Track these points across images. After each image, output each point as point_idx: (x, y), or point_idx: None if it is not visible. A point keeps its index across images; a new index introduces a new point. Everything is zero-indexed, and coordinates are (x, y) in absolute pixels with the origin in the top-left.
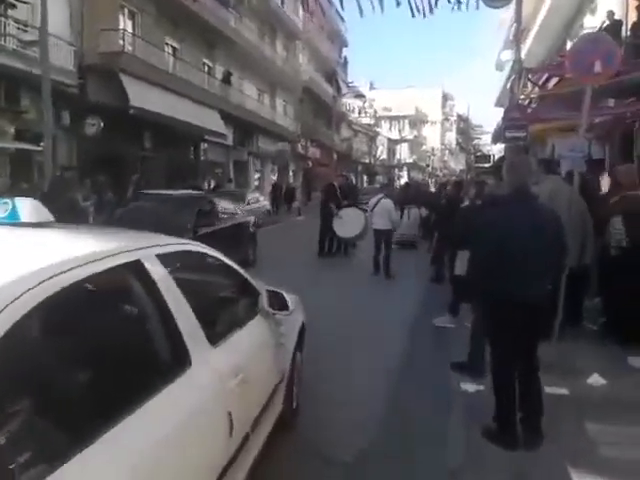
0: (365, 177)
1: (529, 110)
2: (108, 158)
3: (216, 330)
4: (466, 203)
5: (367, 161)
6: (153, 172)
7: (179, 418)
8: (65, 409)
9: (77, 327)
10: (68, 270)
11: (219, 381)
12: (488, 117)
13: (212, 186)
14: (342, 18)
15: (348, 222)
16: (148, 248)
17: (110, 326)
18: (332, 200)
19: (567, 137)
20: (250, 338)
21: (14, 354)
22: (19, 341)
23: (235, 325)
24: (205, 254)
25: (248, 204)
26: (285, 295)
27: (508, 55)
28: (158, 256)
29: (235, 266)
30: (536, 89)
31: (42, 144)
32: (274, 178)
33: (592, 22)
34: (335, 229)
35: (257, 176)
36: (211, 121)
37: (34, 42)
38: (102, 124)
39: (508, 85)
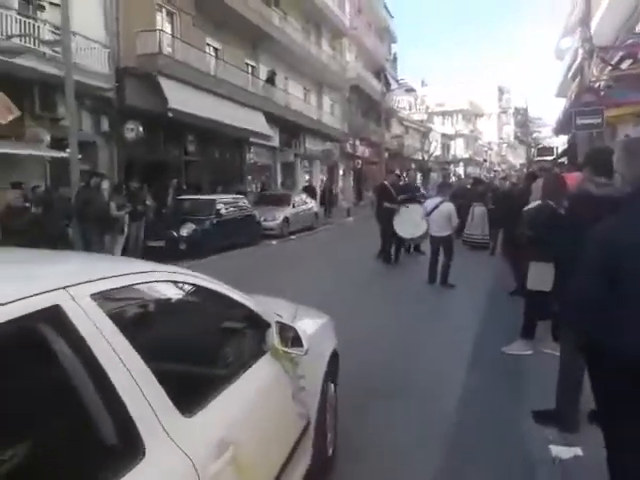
0: (419, 174)
1: (602, 93)
2: (149, 164)
3: (197, 389)
4: (535, 204)
5: (420, 158)
6: (197, 176)
7: None
8: None
9: None
10: None
11: (193, 469)
12: (548, 109)
13: (258, 189)
14: (390, 14)
15: (409, 220)
16: (78, 285)
17: (14, 408)
18: (386, 200)
19: None
20: (251, 389)
21: None
22: None
23: (228, 375)
24: (190, 284)
25: (293, 207)
26: (299, 330)
27: (568, 42)
28: (96, 296)
29: (234, 294)
30: (609, 69)
31: (68, 150)
32: (323, 179)
33: None
34: (396, 228)
35: (306, 177)
36: (255, 123)
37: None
38: (141, 129)
39: (570, 74)
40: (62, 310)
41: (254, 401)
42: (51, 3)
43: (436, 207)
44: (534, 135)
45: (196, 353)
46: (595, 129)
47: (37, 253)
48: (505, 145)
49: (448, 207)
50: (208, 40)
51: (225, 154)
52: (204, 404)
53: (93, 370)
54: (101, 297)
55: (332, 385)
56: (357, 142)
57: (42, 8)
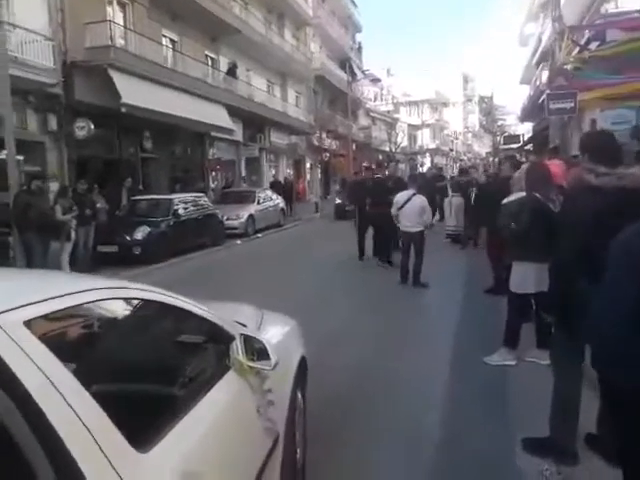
0: (401, 165)
1: (572, 76)
2: (102, 163)
3: (153, 419)
4: (517, 196)
5: (387, 149)
6: (155, 175)
7: None
8: None
9: None
10: None
11: None
12: (512, 97)
13: (221, 186)
14: (354, 2)
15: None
16: (9, 312)
17: None
18: (372, 203)
19: (611, 107)
20: (214, 412)
21: None
22: None
23: (189, 398)
24: (140, 299)
25: (259, 204)
26: (265, 343)
27: (532, 28)
28: (30, 323)
29: (192, 306)
30: (577, 50)
31: (4, 152)
32: (290, 173)
33: None
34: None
35: (272, 172)
36: (217, 116)
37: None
38: (92, 126)
39: (534, 60)
40: None
41: (217, 425)
42: None
43: (408, 200)
44: (499, 123)
45: (151, 377)
46: (569, 114)
47: None
48: (470, 134)
49: (420, 200)
50: (164, 32)
51: (185, 150)
52: (162, 435)
53: (27, 410)
54: (36, 324)
55: (300, 394)
56: (324, 134)
57: None
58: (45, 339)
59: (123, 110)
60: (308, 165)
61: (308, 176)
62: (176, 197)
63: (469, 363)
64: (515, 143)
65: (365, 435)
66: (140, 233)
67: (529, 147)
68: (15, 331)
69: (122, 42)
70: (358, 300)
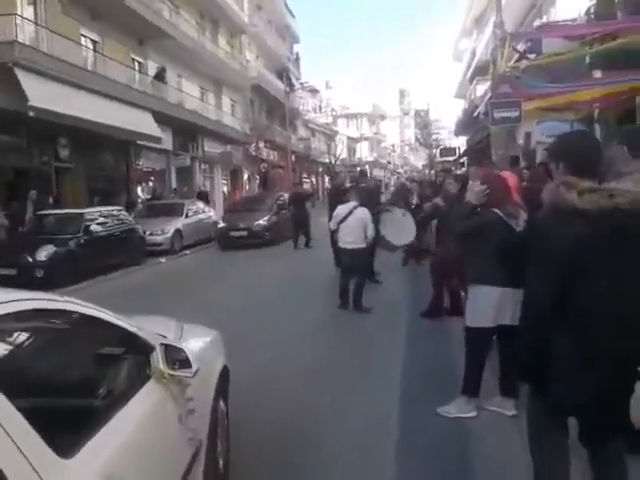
0: (327, 178)
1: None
2: (5, 172)
3: (75, 427)
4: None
5: (327, 161)
6: (72, 186)
7: None
8: None
9: None
10: None
11: None
12: (446, 111)
13: (147, 197)
14: (291, 13)
15: (399, 225)
16: None
17: None
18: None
19: (545, 119)
20: (135, 420)
21: None
22: None
23: (111, 407)
24: (58, 310)
25: (187, 217)
26: (186, 351)
27: (466, 44)
28: None
29: (110, 316)
30: (516, 57)
31: None
32: (225, 184)
33: None
34: (382, 231)
35: (207, 183)
36: (142, 123)
37: None
38: None
39: (468, 74)
40: None
41: (138, 433)
42: None
43: (350, 213)
44: (434, 137)
45: (71, 386)
46: (513, 122)
47: None
48: (407, 147)
49: (364, 213)
50: (84, 31)
51: (108, 159)
52: (84, 443)
53: None
54: None
55: (222, 403)
56: (261, 144)
57: None
58: None
59: (31, 114)
60: (245, 176)
61: (247, 187)
62: (88, 211)
63: (418, 413)
64: (451, 156)
65: None
66: (44, 253)
67: (464, 160)
68: None
69: (32, 38)
70: (293, 328)
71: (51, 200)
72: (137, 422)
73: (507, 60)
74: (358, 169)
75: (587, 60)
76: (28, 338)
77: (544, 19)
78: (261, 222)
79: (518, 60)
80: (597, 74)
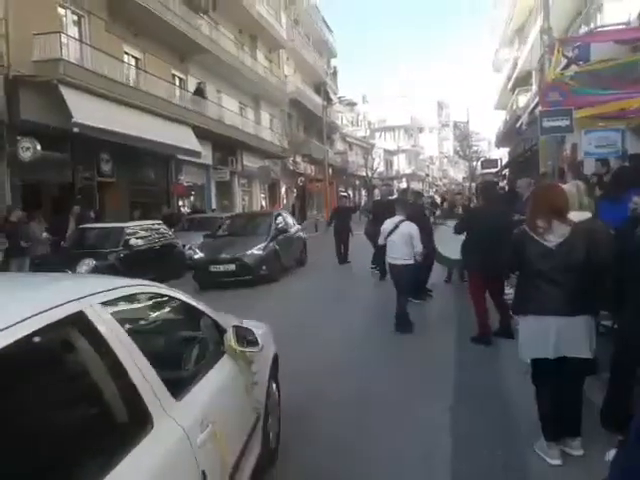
0: (364, 191)
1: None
2: (53, 188)
3: (179, 380)
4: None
5: (364, 174)
6: (114, 201)
7: None
8: None
9: (18, 397)
10: None
11: (187, 439)
12: (485, 123)
13: (188, 211)
14: (329, 27)
15: (454, 238)
16: (91, 296)
17: (53, 395)
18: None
19: (594, 129)
20: (217, 383)
21: None
22: None
23: (200, 371)
24: (160, 294)
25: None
26: (254, 329)
27: (506, 53)
28: (104, 304)
29: (196, 303)
30: (564, 64)
31: None
32: (263, 197)
33: None
34: (438, 246)
35: (247, 198)
36: (183, 138)
37: None
38: (39, 147)
39: (509, 85)
40: (84, 314)
41: (223, 390)
42: None
43: (395, 228)
44: (473, 149)
45: (177, 348)
46: (564, 132)
47: (32, 277)
48: (445, 160)
49: (411, 227)
50: (126, 48)
51: (149, 174)
52: (187, 392)
53: (111, 361)
54: (107, 303)
55: (274, 384)
56: (299, 158)
57: None
58: (114, 315)
59: (75, 130)
60: (283, 190)
61: (284, 201)
62: (128, 225)
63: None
64: (493, 168)
65: None
66: (84, 267)
67: (506, 172)
68: (96, 309)
69: (77, 56)
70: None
71: (93, 214)
72: (218, 386)
73: (556, 67)
74: (396, 184)
75: None
76: (150, 312)
77: (591, 25)
78: (255, 251)
79: (566, 67)
80: None
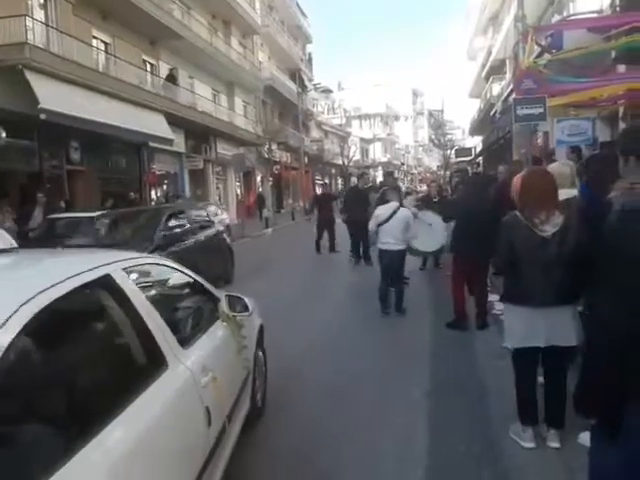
0: (340, 180)
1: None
2: (18, 176)
3: (184, 334)
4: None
5: (340, 162)
6: (85, 189)
7: (165, 415)
8: (59, 415)
9: (61, 341)
10: (46, 289)
11: (194, 379)
12: (459, 112)
13: (162, 199)
14: (303, 13)
15: (429, 229)
16: (115, 263)
17: (92, 338)
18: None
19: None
20: (214, 341)
21: (11, 366)
22: (14, 357)
23: (200, 329)
24: (165, 266)
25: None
26: (245, 298)
27: (481, 42)
28: (125, 269)
29: (194, 275)
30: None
31: None
32: (238, 186)
33: None
34: (412, 241)
35: (221, 186)
36: (154, 125)
37: None
38: (4, 134)
39: (484, 73)
40: (111, 276)
41: (217, 349)
42: None
43: (393, 214)
44: (448, 137)
45: (181, 310)
46: (538, 120)
47: (65, 251)
48: (420, 148)
49: (408, 213)
50: (95, 33)
51: (120, 162)
52: (191, 343)
53: (133, 314)
54: (127, 270)
55: (260, 352)
56: (274, 146)
57: None
58: (133, 279)
59: (42, 117)
60: (259, 178)
61: (260, 189)
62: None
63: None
64: (467, 156)
65: None
66: None
67: (479, 160)
68: (119, 273)
69: (44, 41)
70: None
71: (63, 203)
72: (215, 343)
73: (529, 55)
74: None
75: (612, 55)
76: (155, 282)
77: (564, 14)
78: None
79: (540, 55)
80: (621, 69)
